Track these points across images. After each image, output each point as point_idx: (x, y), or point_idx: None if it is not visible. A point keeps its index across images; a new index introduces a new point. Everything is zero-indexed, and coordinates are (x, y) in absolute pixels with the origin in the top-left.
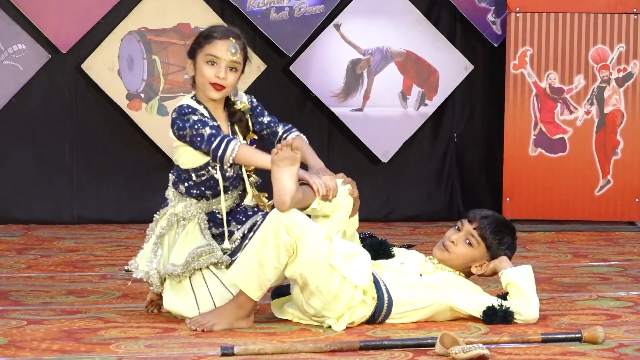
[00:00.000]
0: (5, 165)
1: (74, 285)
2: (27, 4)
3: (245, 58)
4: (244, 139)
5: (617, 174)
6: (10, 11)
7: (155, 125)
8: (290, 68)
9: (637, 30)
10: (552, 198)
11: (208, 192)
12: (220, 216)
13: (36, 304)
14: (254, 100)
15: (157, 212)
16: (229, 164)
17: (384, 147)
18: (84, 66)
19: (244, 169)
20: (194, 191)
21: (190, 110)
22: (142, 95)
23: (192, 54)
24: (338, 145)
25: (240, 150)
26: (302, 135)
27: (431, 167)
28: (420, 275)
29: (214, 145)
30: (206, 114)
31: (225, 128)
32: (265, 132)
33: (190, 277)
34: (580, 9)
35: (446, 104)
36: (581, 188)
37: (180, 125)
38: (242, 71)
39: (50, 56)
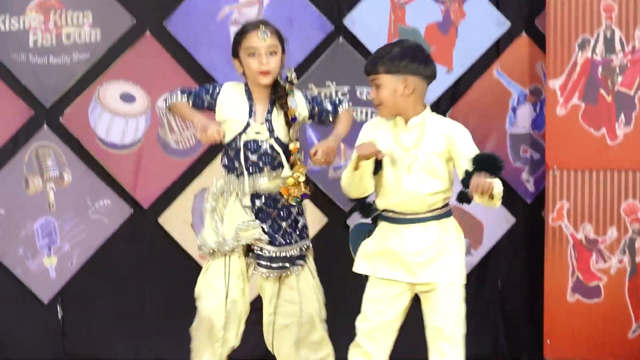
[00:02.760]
0: (92, 311)
1: None
2: (113, 164)
3: (282, 39)
4: (286, 115)
5: None
6: (97, 170)
7: None
8: (348, 221)
9: None
10: (589, 340)
11: (241, 167)
12: (260, 199)
13: None
14: (309, 94)
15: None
16: (165, 109)
17: None
18: (160, 220)
19: (275, 147)
20: (230, 165)
21: (217, 85)
22: None
23: (235, 52)
24: None
25: (177, 99)
26: (349, 109)
27: (477, 311)
28: None
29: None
30: (241, 96)
31: (262, 109)
32: (315, 110)
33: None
34: (612, 167)
35: (490, 253)
36: (615, 331)
37: None
38: (283, 51)
39: (132, 211)
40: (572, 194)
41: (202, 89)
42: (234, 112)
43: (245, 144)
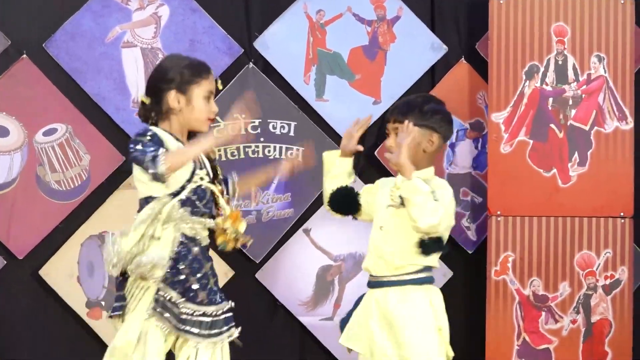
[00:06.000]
0: None
1: None
2: None
3: None
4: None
5: None
6: None
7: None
8: (256, 275)
9: (625, 235)
10: None
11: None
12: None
13: None
14: None
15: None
16: (164, 172)
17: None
18: (41, 272)
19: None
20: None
21: (147, 131)
22: (103, 303)
23: (183, 87)
24: (311, 357)
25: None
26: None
27: None
28: None
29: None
30: (175, 142)
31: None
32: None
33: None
34: (564, 213)
35: None
36: None
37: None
38: None
39: (5, 262)
40: (518, 243)
41: (151, 143)
42: None
43: (195, 191)
